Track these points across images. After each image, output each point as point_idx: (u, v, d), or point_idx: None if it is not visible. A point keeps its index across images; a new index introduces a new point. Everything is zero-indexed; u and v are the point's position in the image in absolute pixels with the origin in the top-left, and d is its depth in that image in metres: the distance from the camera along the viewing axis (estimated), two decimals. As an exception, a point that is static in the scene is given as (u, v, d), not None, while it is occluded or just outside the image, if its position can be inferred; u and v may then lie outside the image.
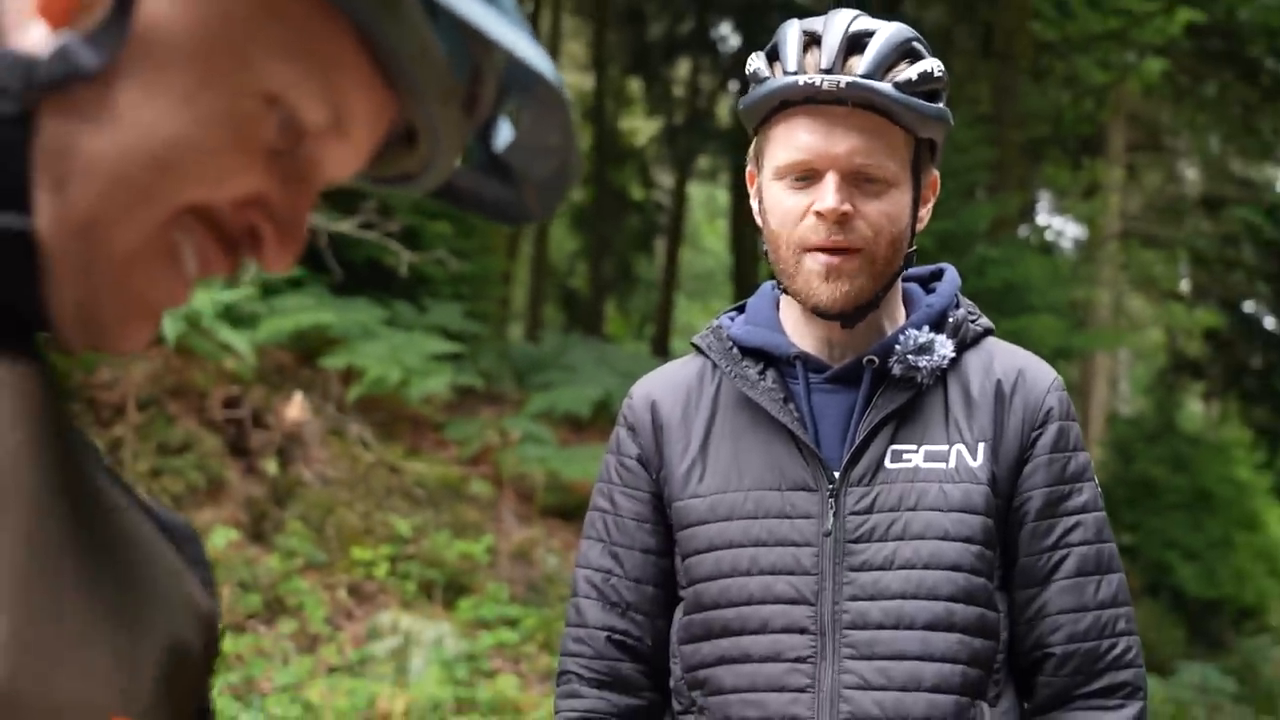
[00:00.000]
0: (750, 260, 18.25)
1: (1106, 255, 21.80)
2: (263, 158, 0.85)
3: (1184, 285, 25.59)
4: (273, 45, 0.83)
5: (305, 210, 0.88)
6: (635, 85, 22.35)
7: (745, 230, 18.47)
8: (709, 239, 31.34)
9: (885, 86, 2.00)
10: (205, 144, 0.82)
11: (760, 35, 17.28)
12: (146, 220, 0.82)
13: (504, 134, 0.95)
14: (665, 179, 24.11)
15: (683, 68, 21.66)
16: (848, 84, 1.98)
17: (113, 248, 0.82)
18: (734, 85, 20.06)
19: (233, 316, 8.49)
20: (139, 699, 0.82)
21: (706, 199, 29.90)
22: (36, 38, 0.80)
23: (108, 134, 0.80)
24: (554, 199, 0.97)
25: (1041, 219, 24.64)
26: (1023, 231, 19.25)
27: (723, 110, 21.18)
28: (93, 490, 0.86)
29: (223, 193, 0.84)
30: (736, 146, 17.64)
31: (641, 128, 24.46)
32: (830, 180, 2.01)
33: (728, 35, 20.37)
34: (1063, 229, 26.17)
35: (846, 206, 2.01)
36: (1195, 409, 26.97)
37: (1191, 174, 25.64)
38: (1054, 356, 14.13)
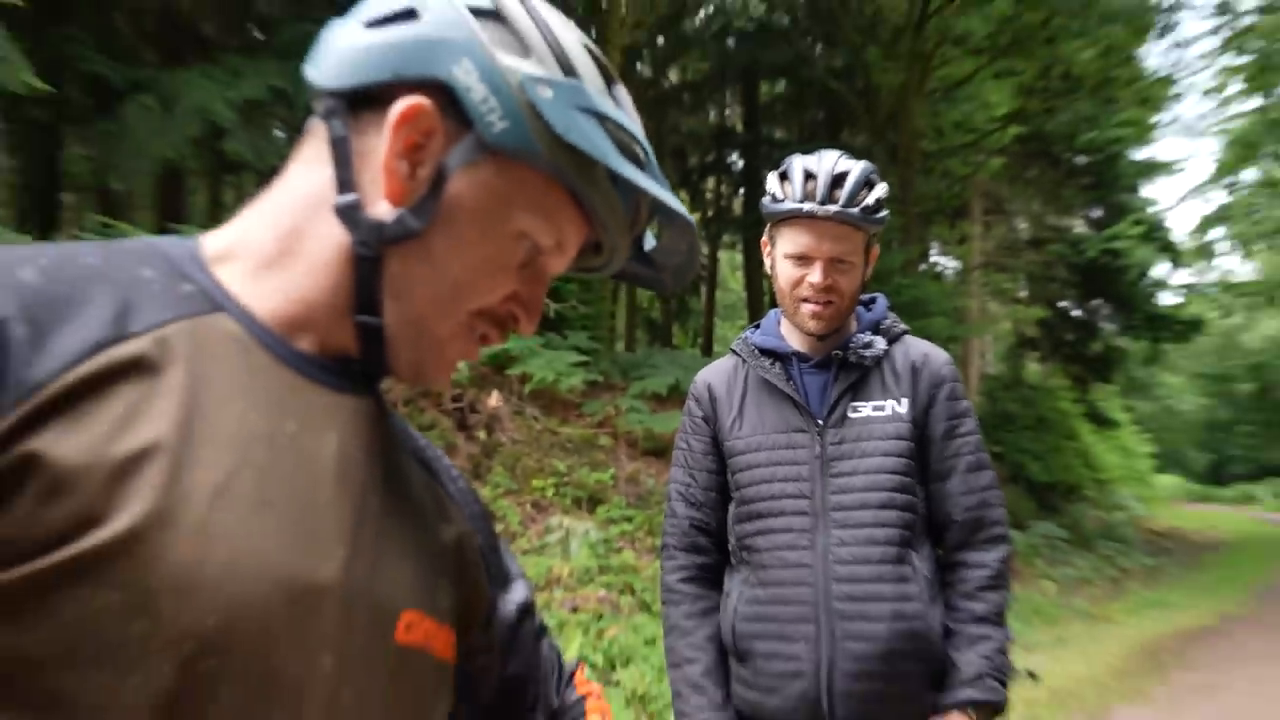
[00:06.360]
0: (758, 295, 18.10)
1: (974, 279, 21.41)
2: (516, 271, 0.85)
3: (1023, 293, 25.01)
4: (523, 204, 0.82)
5: (541, 297, 0.87)
6: (683, 195, 22.25)
7: (755, 277, 18.31)
8: (732, 283, 31.04)
9: (855, 212, 1.99)
10: (485, 272, 0.82)
11: (756, 160, 17.12)
12: (451, 321, 0.83)
13: (649, 240, 0.96)
14: (704, 249, 23.89)
15: (710, 182, 21.56)
16: (834, 212, 1.98)
17: (431, 335, 0.83)
18: (742, 193, 19.91)
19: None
20: (425, 600, 0.84)
21: (729, 259, 29.63)
22: (383, 210, 0.80)
23: (427, 268, 0.81)
24: (681, 281, 0.98)
25: (933, 259, 24.18)
26: (922, 268, 18.95)
27: (735, 207, 21.01)
28: (404, 475, 0.88)
29: (495, 298, 0.84)
30: (745, 228, 17.54)
31: (687, 220, 24.23)
32: (818, 266, 2.01)
33: (736, 161, 20.21)
34: (946, 265, 25.69)
35: (829, 281, 2.01)
36: (1034, 368, 26.33)
37: (1023, 225, 25.03)
38: (946, 342, 13.88)
